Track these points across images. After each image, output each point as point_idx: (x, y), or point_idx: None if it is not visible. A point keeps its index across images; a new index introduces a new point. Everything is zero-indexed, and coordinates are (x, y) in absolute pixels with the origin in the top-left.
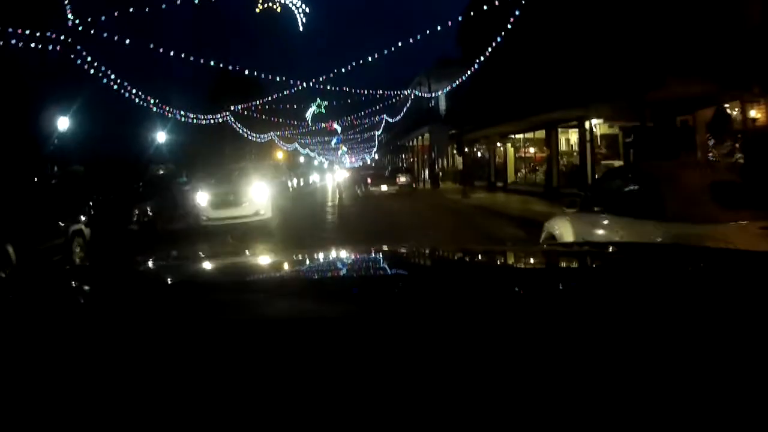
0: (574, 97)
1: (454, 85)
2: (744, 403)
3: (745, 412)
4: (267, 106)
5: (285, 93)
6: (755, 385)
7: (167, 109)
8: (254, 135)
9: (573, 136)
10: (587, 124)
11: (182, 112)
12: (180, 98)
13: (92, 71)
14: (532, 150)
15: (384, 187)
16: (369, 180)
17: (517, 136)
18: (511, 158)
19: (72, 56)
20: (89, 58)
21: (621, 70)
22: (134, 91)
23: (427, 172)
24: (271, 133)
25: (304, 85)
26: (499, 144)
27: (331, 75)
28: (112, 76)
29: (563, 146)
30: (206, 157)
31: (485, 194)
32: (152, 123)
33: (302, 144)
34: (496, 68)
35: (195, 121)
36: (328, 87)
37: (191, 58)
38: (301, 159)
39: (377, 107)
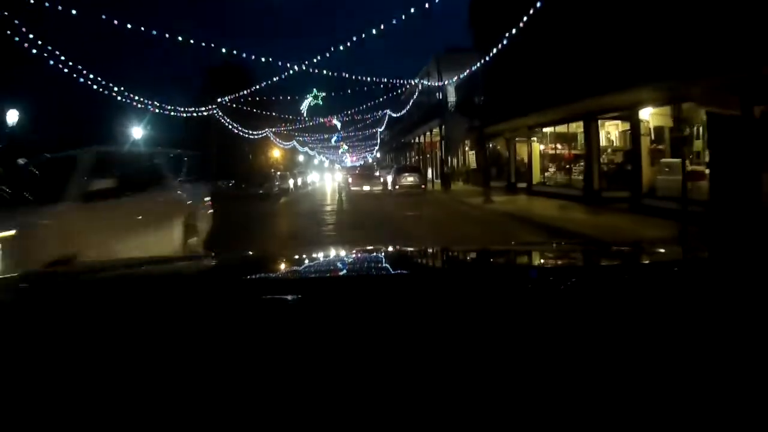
0: (630, 76)
1: (472, 69)
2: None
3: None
4: (257, 98)
5: (279, 78)
6: (756, 382)
7: (137, 98)
8: (247, 131)
9: (613, 129)
10: (641, 113)
11: (156, 103)
12: (165, 92)
13: (45, 56)
14: (559, 146)
15: (366, 187)
16: (350, 180)
17: (545, 130)
18: (536, 155)
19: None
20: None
21: (724, 38)
22: (97, 79)
23: (432, 171)
24: (267, 129)
25: (296, 68)
26: (518, 139)
27: (328, 55)
28: (68, 61)
29: (603, 141)
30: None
31: (508, 197)
32: (127, 118)
33: (301, 142)
34: (520, 50)
35: (173, 113)
36: (325, 72)
37: (175, 37)
38: (300, 157)
39: (380, 100)
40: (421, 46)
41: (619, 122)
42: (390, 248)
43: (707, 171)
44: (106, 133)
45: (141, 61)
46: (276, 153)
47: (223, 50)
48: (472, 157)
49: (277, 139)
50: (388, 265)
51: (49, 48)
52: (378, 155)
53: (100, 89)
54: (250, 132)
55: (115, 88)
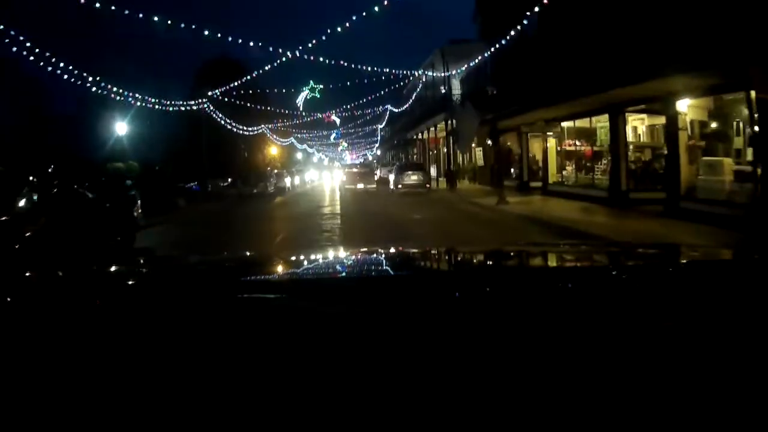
0: (668, 62)
1: (485, 56)
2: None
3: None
4: (251, 90)
5: (276, 63)
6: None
7: (115, 90)
8: (242, 127)
9: (638, 124)
10: (678, 105)
11: (137, 95)
12: (160, 88)
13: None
14: (577, 142)
15: (360, 185)
16: (344, 178)
17: (564, 124)
18: (552, 152)
19: None
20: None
21: None
22: (68, 68)
23: (436, 168)
24: (263, 125)
25: (289, 54)
26: (532, 134)
27: (324, 38)
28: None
29: (629, 136)
30: (181, 154)
31: (522, 198)
32: (111, 114)
33: (299, 138)
34: (536, 36)
35: (157, 106)
36: (321, 58)
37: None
38: (299, 155)
39: (381, 93)
40: (422, 45)
41: (645, 116)
42: (391, 249)
43: (759, 171)
44: (85, 131)
45: (134, 56)
46: (273, 150)
47: (206, 32)
48: (479, 153)
49: (275, 136)
50: (388, 267)
51: (12, 33)
52: (378, 152)
53: (72, 79)
54: (245, 128)
55: (90, 78)
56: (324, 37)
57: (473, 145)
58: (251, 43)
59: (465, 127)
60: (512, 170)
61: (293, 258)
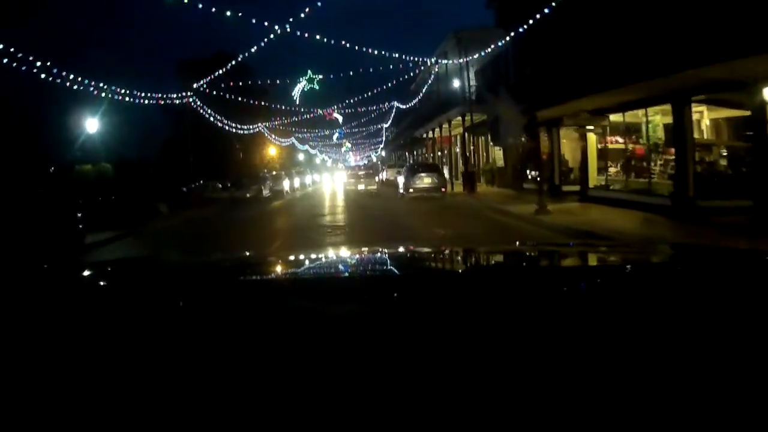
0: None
1: (522, 28)
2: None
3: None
4: (241, 83)
5: (264, 42)
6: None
7: (80, 81)
8: (235, 125)
9: (698, 117)
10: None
11: (104, 86)
12: (148, 85)
13: None
14: (619, 138)
15: (361, 186)
16: (345, 179)
17: (612, 117)
18: (593, 150)
19: None
20: None
21: None
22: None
23: (449, 170)
24: (260, 124)
25: (276, 30)
26: (568, 129)
27: (320, 4)
28: None
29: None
30: (173, 155)
31: (561, 205)
32: (81, 107)
33: (300, 139)
34: (572, 11)
35: (128, 98)
36: (318, 36)
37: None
38: (300, 156)
39: (387, 86)
40: (424, 43)
41: (704, 108)
42: (400, 248)
43: None
44: (55, 128)
45: (122, 52)
46: (272, 151)
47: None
48: (498, 153)
49: (273, 136)
50: (393, 268)
51: None
52: (383, 153)
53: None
54: (239, 126)
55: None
56: (322, 9)
57: (490, 143)
58: (236, 13)
59: (507, 119)
60: (528, 171)
61: (265, 259)
